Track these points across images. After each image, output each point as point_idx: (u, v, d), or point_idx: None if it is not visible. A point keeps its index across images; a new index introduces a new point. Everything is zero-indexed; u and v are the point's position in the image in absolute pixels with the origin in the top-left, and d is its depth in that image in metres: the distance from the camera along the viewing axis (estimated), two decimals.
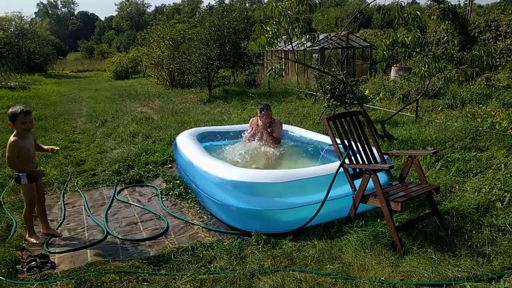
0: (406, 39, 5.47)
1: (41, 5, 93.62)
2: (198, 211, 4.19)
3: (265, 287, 2.74)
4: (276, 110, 9.47)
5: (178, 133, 5.89)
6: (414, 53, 5.86)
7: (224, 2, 20.04)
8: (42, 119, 9.54)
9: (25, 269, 3.04)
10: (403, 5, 5.54)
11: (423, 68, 5.70)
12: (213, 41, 14.33)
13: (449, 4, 14.98)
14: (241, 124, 6.98)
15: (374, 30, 23.83)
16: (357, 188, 3.39)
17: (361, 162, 3.59)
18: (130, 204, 4.48)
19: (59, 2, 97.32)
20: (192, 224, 3.90)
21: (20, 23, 30.64)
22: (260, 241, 3.37)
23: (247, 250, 3.27)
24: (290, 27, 5.17)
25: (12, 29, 27.14)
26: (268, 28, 5.23)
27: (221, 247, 3.32)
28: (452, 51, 5.74)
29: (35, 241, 3.52)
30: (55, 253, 3.35)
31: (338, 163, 3.52)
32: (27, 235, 3.60)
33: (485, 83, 11.48)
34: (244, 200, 3.63)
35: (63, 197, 4.69)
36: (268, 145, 5.45)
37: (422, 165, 4.01)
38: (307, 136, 5.69)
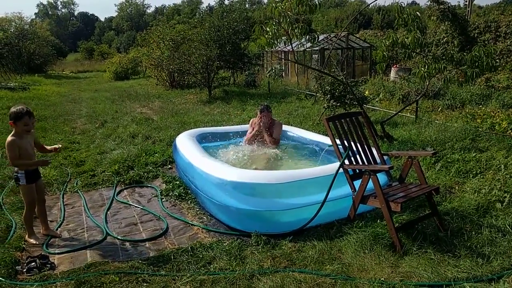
0: (406, 40, 5.47)
1: (41, 6, 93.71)
2: (198, 212, 4.19)
3: None
4: (276, 110, 9.48)
5: (178, 134, 5.90)
6: (414, 54, 5.87)
7: (224, 2, 20.03)
8: (42, 120, 9.54)
9: (24, 270, 3.04)
10: (403, 6, 5.55)
11: (423, 68, 5.71)
12: (213, 42, 14.34)
13: (449, 5, 15.02)
14: (241, 125, 6.98)
15: (374, 31, 23.86)
16: (356, 189, 3.39)
17: (360, 163, 3.59)
18: (130, 205, 4.48)
19: (59, 3, 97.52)
20: (192, 225, 3.90)
21: (20, 23, 30.72)
22: (259, 242, 3.37)
23: (246, 251, 3.27)
24: (290, 28, 5.18)
25: (12, 30, 27.19)
26: (268, 29, 5.23)
27: (221, 247, 3.32)
28: (452, 51, 5.73)
29: (34, 242, 3.52)
30: (54, 254, 3.35)
31: (337, 163, 3.52)
32: (26, 235, 3.60)
33: (485, 84, 11.49)
34: (244, 200, 3.63)
35: (63, 198, 4.68)
36: (268, 146, 5.45)
37: (422, 166, 4.01)
38: (307, 137, 5.69)
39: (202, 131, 6.02)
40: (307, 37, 5.36)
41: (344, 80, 7.52)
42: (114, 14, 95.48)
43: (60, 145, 3.84)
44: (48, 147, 3.75)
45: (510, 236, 3.27)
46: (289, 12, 5.11)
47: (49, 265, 3.11)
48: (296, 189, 3.68)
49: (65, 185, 5.09)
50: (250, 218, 3.62)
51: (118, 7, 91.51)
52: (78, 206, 4.48)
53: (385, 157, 3.87)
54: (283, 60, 17.68)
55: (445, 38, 15.26)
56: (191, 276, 2.90)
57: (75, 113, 10.94)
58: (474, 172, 4.77)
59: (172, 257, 3.19)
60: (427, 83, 6.33)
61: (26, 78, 20.92)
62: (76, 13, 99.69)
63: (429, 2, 15.73)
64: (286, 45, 5.88)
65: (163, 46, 16.41)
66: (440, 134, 6.32)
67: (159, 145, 6.80)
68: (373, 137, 4.04)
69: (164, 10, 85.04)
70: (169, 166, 5.80)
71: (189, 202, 4.47)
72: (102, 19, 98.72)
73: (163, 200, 4.58)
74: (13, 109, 3.35)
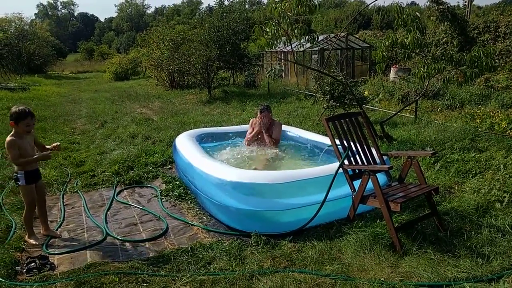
0: (405, 40, 5.48)
1: (41, 6, 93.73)
2: (198, 212, 4.19)
3: None
4: (275, 111, 9.48)
5: (178, 134, 5.90)
6: (413, 54, 5.87)
7: (223, 3, 20.00)
8: (42, 120, 9.54)
9: (24, 271, 3.04)
10: (403, 6, 5.56)
11: (422, 69, 5.71)
12: (212, 42, 14.35)
13: (448, 5, 15.04)
14: (241, 125, 6.98)
15: (373, 31, 23.87)
16: (356, 189, 3.40)
17: (360, 163, 3.59)
18: (130, 205, 4.48)
19: (59, 3, 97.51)
20: (192, 225, 3.90)
21: (20, 24, 30.76)
22: (259, 242, 3.37)
23: (246, 251, 3.27)
24: (290, 28, 5.18)
25: (12, 30, 27.25)
26: (267, 29, 5.24)
27: (221, 248, 3.32)
28: (451, 52, 5.74)
29: (34, 242, 3.52)
30: (54, 254, 3.35)
31: (337, 164, 3.53)
32: (26, 236, 3.60)
33: (484, 84, 11.49)
34: (244, 201, 3.63)
35: (63, 198, 4.68)
36: (268, 146, 5.46)
37: (421, 166, 4.01)
38: (307, 137, 5.69)
39: (202, 132, 6.02)
40: (307, 37, 5.37)
41: (344, 80, 7.52)
42: (114, 14, 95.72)
43: (59, 143, 3.83)
44: (48, 146, 3.75)
45: (510, 236, 3.27)
46: (288, 13, 5.11)
47: (49, 266, 3.11)
48: (296, 189, 3.69)
49: (65, 185, 5.09)
50: (250, 218, 3.62)
51: (118, 7, 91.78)
52: (78, 206, 4.48)
53: (385, 157, 3.87)
54: (282, 60, 17.69)
55: (445, 39, 15.26)
56: (191, 276, 2.91)
57: (75, 114, 10.94)
58: (474, 172, 4.77)
59: (172, 258, 3.19)
60: (427, 83, 6.34)
61: (26, 78, 20.93)
62: (76, 14, 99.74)
63: (428, 2, 15.77)
64: (286, 46, 5.89)
65: (163, 47, 16.41)
66: (439, 134, 6.32)
67: (159, 146, 6.80)
68: (372, 137, 4.05)
69: (164, 11, 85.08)
70: (169, 166, 5.80)
71: (189, 202, 4.47)
72: (102, 19, 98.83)
73: (163, 200, 4.58)
74: (15, 110, 3.32)
